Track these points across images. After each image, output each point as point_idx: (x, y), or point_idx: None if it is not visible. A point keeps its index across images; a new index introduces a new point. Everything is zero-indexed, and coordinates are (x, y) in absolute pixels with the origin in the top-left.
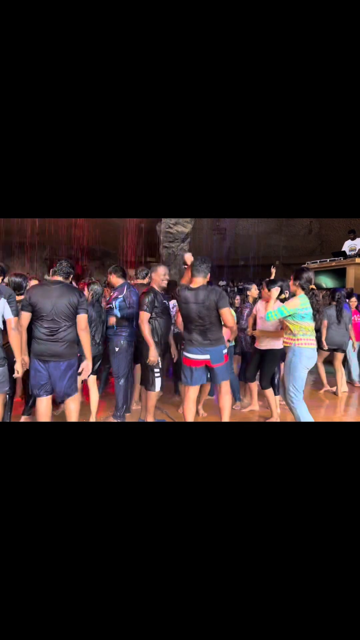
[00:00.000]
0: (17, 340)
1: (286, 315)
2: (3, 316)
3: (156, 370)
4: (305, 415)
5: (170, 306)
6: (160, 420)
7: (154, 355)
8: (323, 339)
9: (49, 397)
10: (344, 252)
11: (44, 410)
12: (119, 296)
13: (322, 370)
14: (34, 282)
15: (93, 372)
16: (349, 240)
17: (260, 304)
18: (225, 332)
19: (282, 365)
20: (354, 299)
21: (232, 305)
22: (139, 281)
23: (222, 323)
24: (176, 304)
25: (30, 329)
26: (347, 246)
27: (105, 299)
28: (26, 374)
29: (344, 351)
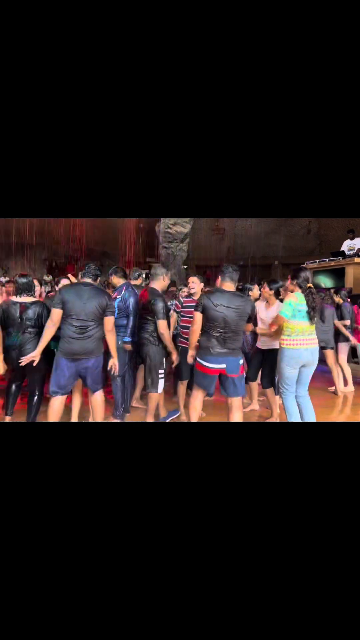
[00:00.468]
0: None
1: (294, 307)
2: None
3: (160, 371)
4: (291, 409)
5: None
6: (163, 418)
7: (175, 358)
8: (346, 332)
9: (64, 397)
10: (343, 251)
11: (56, 409)
12: (118, 297)
13: (334, 370)
14: (65, 281)
15: None
16: (348, 240)
17: (260, 304)
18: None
19: None
20: (338, 297)
21: None
22: (133, 282)
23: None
24: (172, 305)
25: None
26: (346, 246)
27: None
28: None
29: (332, 348)
